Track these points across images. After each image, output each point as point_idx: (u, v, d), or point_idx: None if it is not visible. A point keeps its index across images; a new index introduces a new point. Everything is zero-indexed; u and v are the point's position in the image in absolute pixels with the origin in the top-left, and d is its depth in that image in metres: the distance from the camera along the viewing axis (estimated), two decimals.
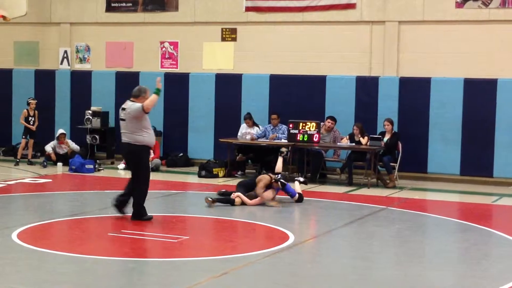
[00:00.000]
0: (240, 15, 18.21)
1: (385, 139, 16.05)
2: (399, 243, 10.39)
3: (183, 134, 18.59)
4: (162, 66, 19.02)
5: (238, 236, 10.81)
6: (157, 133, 16.12)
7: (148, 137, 11.03)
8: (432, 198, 14.76)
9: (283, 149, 14.15)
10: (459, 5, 16.46)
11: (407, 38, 16.93)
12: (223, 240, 10.30)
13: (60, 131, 18.10)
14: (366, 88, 17.00)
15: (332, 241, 10.39)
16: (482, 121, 16.17)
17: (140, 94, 11.06)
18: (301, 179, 14.08)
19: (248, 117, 17.23)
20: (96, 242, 9.83)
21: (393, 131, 16.15)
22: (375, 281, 8.26)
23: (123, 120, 11.04)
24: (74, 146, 18.02)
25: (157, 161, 17.37)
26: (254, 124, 17.25)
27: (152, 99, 10.86)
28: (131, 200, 11.13)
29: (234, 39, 18.34)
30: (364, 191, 15.12)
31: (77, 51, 19.96)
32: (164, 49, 19.04)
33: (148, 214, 11.13)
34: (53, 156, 17.67)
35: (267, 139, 16.87)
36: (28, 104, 18.15)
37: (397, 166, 16.00)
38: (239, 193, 12.78)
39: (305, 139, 16.12)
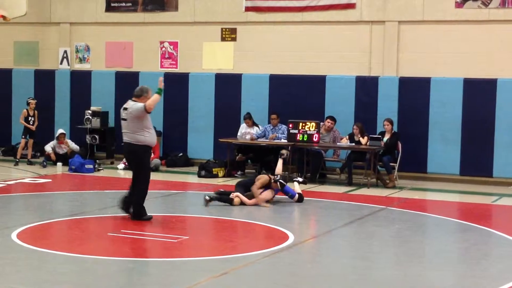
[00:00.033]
0: (240, 15, 18.22)
1: (385, 139, 16.05)
2: (399, 243, 10.38)
3: (183, 134, 18.59)
4: (161, 66, 19.02)
5: (238, 236, 10.81)
6: (156, 133, 15.94)
7: (149, 137, 11.03)
8: (432, 198, 14.76)
9: (284, 152, 14.16)
10: (459, 5, 16.47)
11: (406, 38, 16.94)
12: (223, 240, 10.30)
13: (60, 131, 18.10)
14: (366, 88, 17.00)
15: (332, 241, 10.39)
16: (482, 121, 16.18)
17: (142, 94, 11.07)
18: (300, 179, 14.10)
19: (248, 117, 17.23)
20: (96, 242, 9.82)
21: (392, 131, 16.15)
22: (375, 281, 8.26)
23: (124, 119, 11.03)
24: (74, 146, 18.02)
25: (157, 161, 17.36)
26: (254, 124, 17.26)
27: (154, 99, 10.87)
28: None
29: (234, 39, 18.35)
30: (363, 191, 15.12)
31: (77, 51, 19.96)
32: (163, 49, 19.04)
33: (148, 214, 11.13)
34: (53, 156, 17.67)
35: (266, 139, 16.87)
36: (28, 104, 18.15)
37: (396, 166, 16.00)
38: (238, 193, 12.77)
39: (305, 139, 16.12)
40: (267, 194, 12.85)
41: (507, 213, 13.28)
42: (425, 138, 16.56)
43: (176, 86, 18.43)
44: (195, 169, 17.23)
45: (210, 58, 18.58)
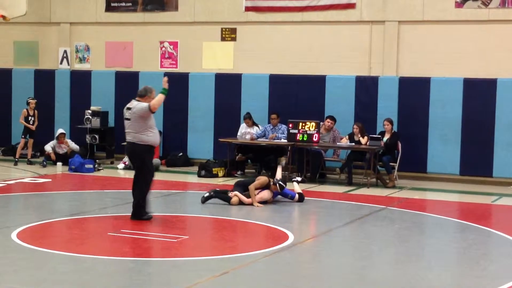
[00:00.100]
0: (240, 15, 18.22)
1: (385, 139, 16.05)
2: (398, 243, 10.39)
3: (183, 134, 18.59)
4: (161, 66, 19.02)
5: (237, 236, 10.81)
6: None
7: (153, 137, 11.05)
8: (432, 198, 14.77)
9: (282, 159, 14.19)
10: (459, 5, 16.47)
11: (406, 38, 16.94)
12: (222, 240, 10.30)
13: (60, 130, 18.11)
14: (366, 88, 17.01)
15: (331, 241, 10.39)
16: (482, 121, 16.18)
17: (146, 93, 11.09)
18: (299, 178, 14.17)
19: (248, 116, 17.23)
20: (95, 242, 9.83)
21: (392, 131, 16.16)
22: (375, 280, 8.27)
23: (128, 119, 11.04)
24: (74, 146, 18.02)
25: (157, 160, 17.35)
26: (254, 123, 17.26)
27: (159, 99, 10.90)
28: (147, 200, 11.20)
29: (234, 39, 18.35)
30: (363, 191, 15.12)
31: (77, 51, 19.96)
32: (163, 49, 19.04)
33: (148, 214, 11.14)
34: (53, 156, 17.67)
35: (266, 138, 16.87)
36: (28, 103, 18.15)
37: (396, 166, 16.01)
38: (236, 192, 12.78)
39: (305, 139, 16.12)
40: (263, 194, 12.84)
41: (506, 213, 13.29)
42: (425, 138, 16.57)
43: (176, 86, 18.40)
44: (195, 169, 17.23)
45: (210, 58, 18.59)
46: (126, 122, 11.11)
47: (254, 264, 8.67)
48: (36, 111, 18.14)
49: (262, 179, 12.96)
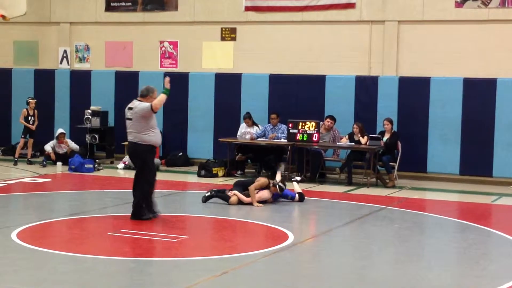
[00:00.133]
0: (240, 14, 18.22)
1: (385, 138, 16.05)
2: (398, 243, 10.39)
3: (183, 134, 18.59)
4: (161, 66, 19.02)
5: (237, 236, 10.81)
6: None
7: (154, 137, 11.06)
8: (432, 198, 14.77)
9: (282, 166, 14.21)
10: (459, 5, 16.47)
11: (406, 38, 16.94)
12: (222, 240, 10.30)
13: (60, 130, 18.11)
14: (366, 87, 17.01)
15: (331, 241, 10.39)
16: (482, 120, 16.19)
17: (148, 93, 11.10)
18: (298, 178, 14.20)
19: (248, 116, 17.23)
20: (95, 242, 9.83)
21: (392, 131, 16.16)
22: (375, 280, 8.27)
23: (129, 119, 11.05)
24: (74, 146, 18.02)
25: (157, 160, 17.33)
26: (254, 123, 17.26)
27: (161, 99, 10.92)
28: (154, 199, 11.24)
29: (234, 39, 18.35)
30: (363, 191, 15.12)
31: (77, 51, 19.96)
32: (163, 48, 19.04)
33: (148, 214, 11.14)
34: (53, 156, 17.67)
35: (266, 138, 16.88)
36: (28, 103, 18.15)
37: (396, 165, 16.01)
38: (235, 191, 12.78)
39: (305, 139, 16.13)
40: (263, 193, 12.83)
41: (506, 213, 13.29)
42: (424, 137, 16.57)
43: (176, 86, 18.37)
44: (195, 168, 17.23)
45: (210, 58, 18.59)
46: (127, 122, 11.11)
47: (254, 264, 8.68)
48: (36, 111, 18.15)
49: (262, 180, 12.96)
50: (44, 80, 19.92)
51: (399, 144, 16.21)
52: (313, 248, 9.99)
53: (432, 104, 16.55)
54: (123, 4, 19.31)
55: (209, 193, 12.82)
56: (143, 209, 11.09)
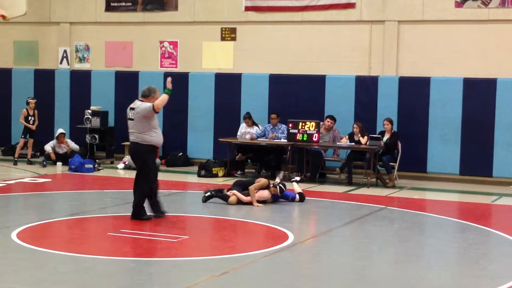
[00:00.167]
0: (240, 14, 18.22)
1: (385, 138, 16.05)
2: (398, 243, 10.39)
3: (183, 134, 18.59)
4: (161, 66, 19.02)
5: (237, 236, 10.81)
6: None
7: (156, 137, 11.08)
8: (432, 198, 14.77)
9: (281, 174, 14.22)
10: (459, 5, 16.47)
11: (406, 38, 16.94)
12: (222, 240, 10.30)
13: (60, 130, 18.11)
14: (366, 87, 17.01)
15: (331, 241, 10.39)
16: (482, 120, 16.19)
17: (150, 94, 11.12)
18: (298, 178, 14.19)
19: (248, 116, 17.23)
20: (95, 242, 9.84)
21: (392, 131, 16.16)
22: (375, 280, 8.27)
23: (131, 119, 11.06)
24: (74, 146, 18.02)
25: (157, 161, 17.31)
26: (254, 123, 17.26)
27: (163, 99, 10.94)
28: (159, 198, 11.26)
29: (234, 39, 18.35)
30: (363, 191, 15.12)
31: (77, 51, 19.96)
32: (163, 48, 19.05)
33: (147, 214, 11.14)
34: (53, 156, 17.67)
35: (266, 138, 16.87)
36: (28, 103, 18.16)
37: (396, 165, 16.01)
38: (234, 191, 12.77)
39: (305, 139, 16.12)
40: (262, 192, 12.83)
41: (506, 213, 13.29)
42: (424, 137, 16.57)
43: (176, 86, 18.34)
44: (195, 168, 17.23)
45: (210, 58, 18.59)
46: (129, 122, 11.13)
47: (254, 264, 8.68)
48: (36, 111, 18.15)
49: (262, 181, 12.96)
50: (44, 80, 19.92)
51: (399, 144, 16.21)
52: (313, 248, 9.99)
53: (432, 104, 16.55)
54: (123, 4, 19.31)
55: (209, 193, 12.84)
56: (143, 209, 11.10)
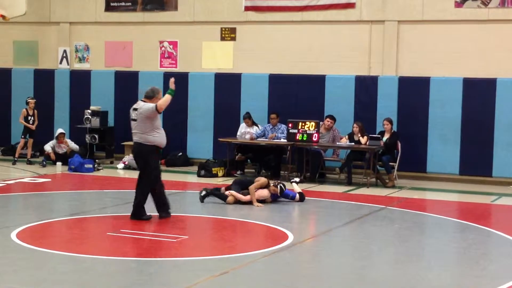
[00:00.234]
0: (240, 14, 18.22)
1: (385, 138, 16.05)
2: (398, 243, 10.39)
3: (183, 134, 18.59)
4: (161, 66, 19.02)
5: (237, 236, 10.81)
6: None
7: (159, 137, 11.10)
8: (431, 198, 14.77)
9: (276, 182, 14.27)
10: (459, 5, 16.47)
11: (406, 38, 16.94)
12: (222, 240, 10.30)
13: (59, 130, 18.11)
14: (366, 87, 17.00)
15: (331, 241, 10.39)
16: (481, 120, 16.19)
17: (154, 94, 11.14)
18: (297, 179, 14.19)
19: (248, 116, 17.23)
20: (95, 242, 9.84)
21: (392, 131, 16.16)
22: (374, 280, 8.27)
23: (134, 120, 11.06)
24: (73, 146, 18.02)
25: None
26: (254, 123, 17.26)
27: (166, 100, 10.97)
28: (165, 198, 11.26)
29: (234, 39, 18.35)
30: (363, 191, 15.12)
31: (76, 51, 19.96)
32: (163, 48, 19.04)
33: (147, 214, 11.14)
34: (53, 156, 17.67)
35: (266, 138, 16.87)
36: (27, 103, 18.15)
37: (396, 165, 16.01)
38: (232, 191, 12.77)
39: (304, 139, 16.12)
40: (262, 191, 12.83)
41: (506, 213, 13.29)
42: (424, 137, 16.57)
43: (175, 86, 18.37)
44: (195, 168, 17.23)
45: (210, 58, 18.59)
46: (132, 123, 11.13)
47: (253, 264, 8.68)
48: (35, 111, 18.14)
49: (261, 180, 12.96)
50: (44, 80, 19.92)
51: (399, 144, 16.20)
52: (312, 248, 9.99)
53: (432, 104, 16.55)
54: (123, 4, 19.31)
55: (204, 192, 12.83)
56: (143, 209, 11.10)
